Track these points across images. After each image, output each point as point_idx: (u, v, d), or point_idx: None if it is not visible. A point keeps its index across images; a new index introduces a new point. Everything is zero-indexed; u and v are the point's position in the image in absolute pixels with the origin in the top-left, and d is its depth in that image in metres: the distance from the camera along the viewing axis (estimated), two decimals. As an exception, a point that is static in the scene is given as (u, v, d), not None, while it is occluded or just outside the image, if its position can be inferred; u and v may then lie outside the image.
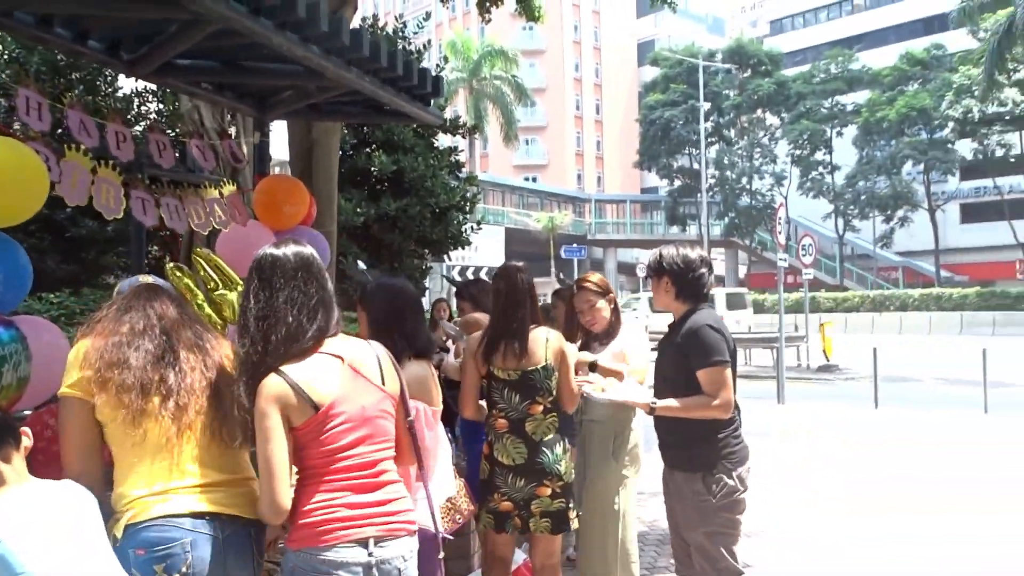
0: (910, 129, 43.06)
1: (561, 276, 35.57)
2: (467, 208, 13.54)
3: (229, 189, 3.91)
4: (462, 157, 14.69)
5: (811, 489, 7.11)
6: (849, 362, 18.26)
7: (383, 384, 2.31)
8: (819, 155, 46.99)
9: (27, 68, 13.69)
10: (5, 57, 13.75)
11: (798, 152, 46.75)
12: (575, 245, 39.37)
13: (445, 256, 14.80)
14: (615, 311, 4.07)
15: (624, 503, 3.90)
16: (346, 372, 2.22)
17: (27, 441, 2.00)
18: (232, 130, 10.48)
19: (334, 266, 5.63)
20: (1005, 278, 43.26)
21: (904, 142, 42.71)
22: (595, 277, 4.16)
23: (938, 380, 16.32)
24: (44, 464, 2.42)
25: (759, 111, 48.90)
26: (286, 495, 2.10)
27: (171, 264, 3.19)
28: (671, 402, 3.25)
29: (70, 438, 2.13)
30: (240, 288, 3.27)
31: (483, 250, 27.11)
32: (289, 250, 2.26)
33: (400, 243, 12.51)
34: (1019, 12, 31.31)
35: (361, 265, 3.81)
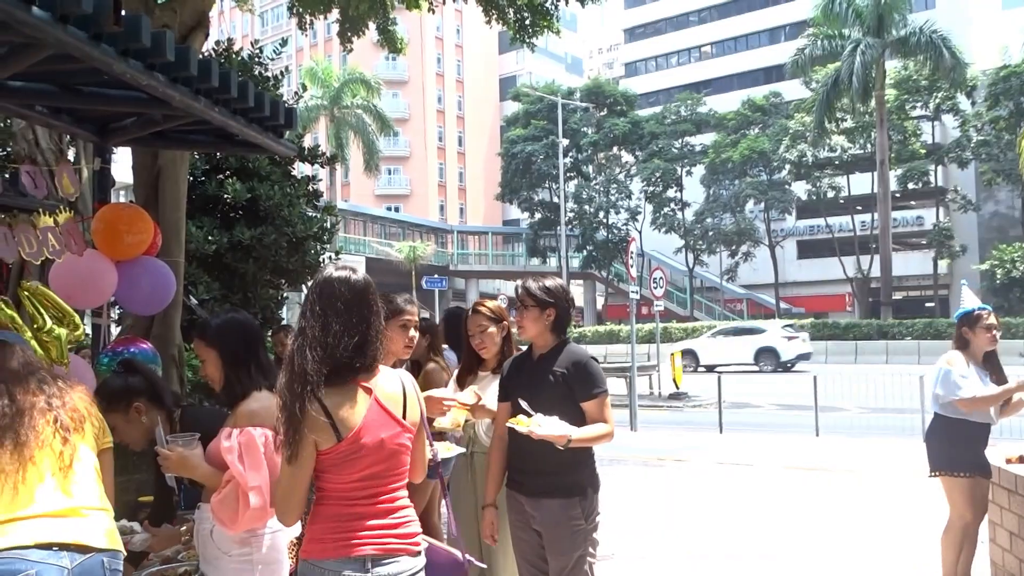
0: (752, 170, 46.19)
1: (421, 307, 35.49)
2: (325, 238, 13.33)
3: (65, 217, 3.74)
4: (321, 186, 14.50)
5: (660, 512, 7.44)
6: (697, 390, 19.21)
7: (404, 417, 2.39)
8: (671, 192, 49.49)
9: None
10: None
11: (651, 189, 49.05)
12: (436, 276, 39.48)
13: (303, 286, 14.49)
14: (507, 339, 4.01)
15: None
16: (373, 406, 2.32)
17: None
18: (71, 152, 9.93)
19: (180, 297, 5.43)
20: (836, 310, 46.97)
21: (746, 182, 45.74)
22: (491, 303, 4.13)
23: (776, 406, 17.45)
24: None
25: (615, 148, 51.05)
26: (294, 515, 2.31)
27: None
28: (583, 432, 3.21)
29: None
30: (74, 320, 3.13)
31: (343, 280, 26.68)
32: (344, 278, 2.35)
33: (255, 272, 12.13)
34: (844, 67, 34.45)
35: (193, 300, 3.69)
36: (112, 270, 4.03)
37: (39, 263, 3.65)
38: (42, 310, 2.86)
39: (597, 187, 51.49)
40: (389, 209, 56.55)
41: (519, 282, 3.54)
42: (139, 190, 5.87)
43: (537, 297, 3.40)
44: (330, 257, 13.82)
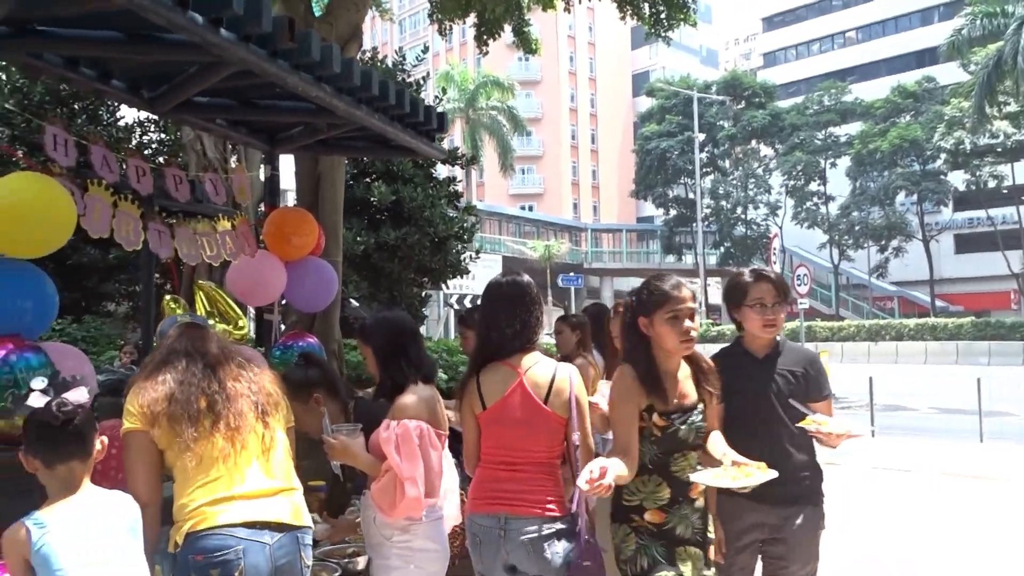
0: (903, 160, 43.56)
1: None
2: (466, 237, 13.71)
3: (239, 221, 4.06)
4: (460, 187, 14.91)
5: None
6: (845, 391, 18.35)
7: (545, 402, 2.74)
8: (813, 185, 47.44)
9: (31, 97, 13.93)
10: (8, 87, 13.98)
11: (792, 183, 47.20)
12: (572, 274, 39.58)
13: (443, 284, 14.95)
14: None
15: None
16: (518, 386, 2.76)
17: (98, 447, 2.20)
18: (233, 160, 10.67)
19: (339, 295, 5.76)
20: (1000, 308, 43.55)
21: (897, 173, 43.19)
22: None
23: (934, 409, 16.42)
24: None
25: (754, 142, 49.45)
26: (471, 466, 2.89)
27: (168, 297, 3.31)
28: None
29: (136, 469, 2.31)
30: (238, 321, 3.38)
31: (481, 278, 27.27)
32: (507, 280, 2.96)
33: (399, 272, 12.67)
34: (1007, 47, 31.90)
35: (353, 303, 3.91)
36: (282, 270, 4.34)
37: (218, 264, 3.97)
38: (211, 308, 3.10)
39: (734, 182, 50.07)
40: (523, 208, 57.21)
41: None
42: (301, 194, 6.26)
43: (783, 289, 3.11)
44: (470, 256, 14.23)
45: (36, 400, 2.11)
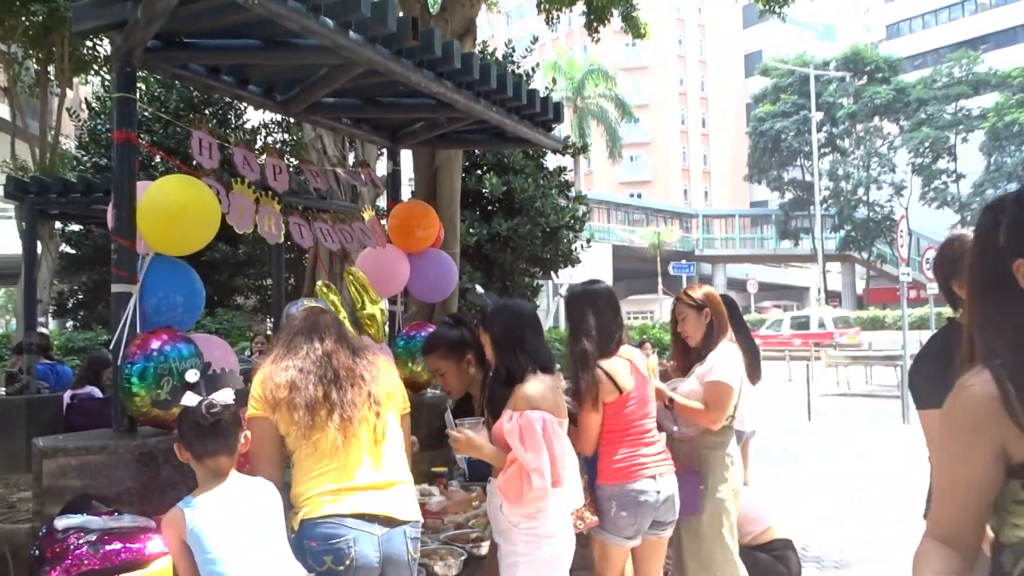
0: (1044, 132, 40.57)
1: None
2: (577, 227, 13.70)
3: (369, 214, 4.22)
4: (569, 176, 14.90)
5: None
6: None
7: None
8: (942, 163, 44.79)
9: (167, 104, 14.86)
10: (147, 96, 14.96)
11: (919, 161, 44.72)
12: (683, 261, 38.89)
13: (553, 274, 15.00)
14: (710, 327, 3.83)
15: (725, 531, 3.75)
16: (635, 370, 3.39)
17: (242, 441, 2.36)
18: (351, 156, 11.05)
19: (458, 286, 5.89)
20: None
21: (1037, 146, 40.28)
22: (699, 291, 3.97)
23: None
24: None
25: (876, 119, 47.04)
26: (589, 448, 3.34)
27: (320, 283, 3.45)
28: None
29: (260, 450, 2.45)
30: (380, 304, 3.48)
31: (590, 267, 27.17)
32: (602, 287, 3.51)
33: (512, 262, 12.80)
34: None
35: (479, 289, 3.96)
36: (406, 261, 4.48)
37: (357, 255, 4.14)
38: (363, 293, 3.22)
39: (855, 162, 47.85)
40: (632, 196, 56.57)
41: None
42: (419, 187, 6.44)
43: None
44: (582, 245, 14.21)
45: (189, 400, 2.29)
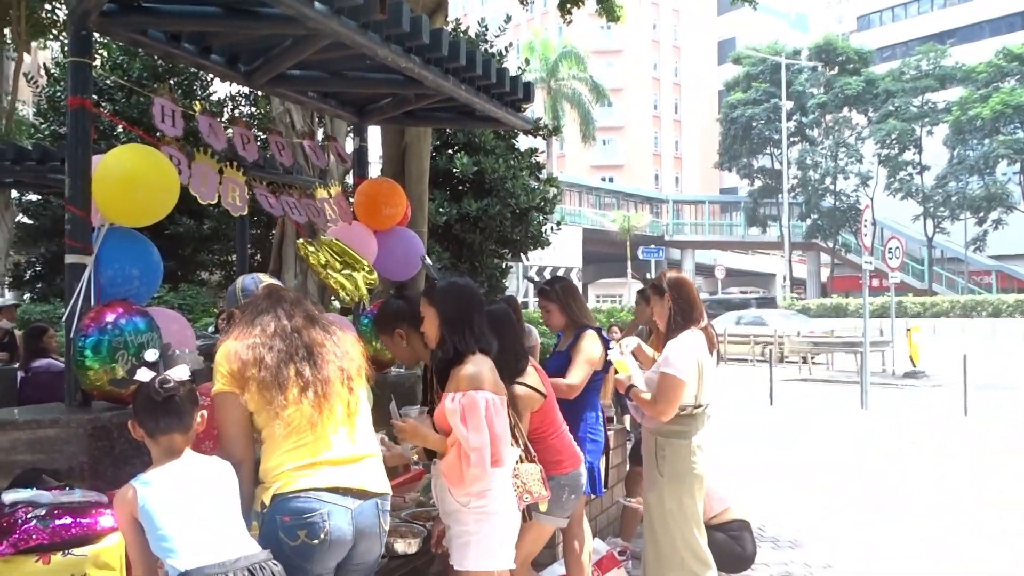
0: (1005, 127, 41.33)
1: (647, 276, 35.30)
2: (547, 209, 13.68)
3: (335, 190, 4.16)
4: (541, 158, 14.85)
5: (891, 494, 7.00)
6: (937, 369, 17.68)
7: None
8: (908, 155, 45.46)
9: (130, 73, 14.52)
10: (109, 64, 14.60)
11: (885, 152, 45.34)
12: (653, 246, 39.09)
13: (523, 256, 14.98)
14: (672, 314, 3.83)
15: (676, 519, 3.78)
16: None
17: (198, 420, 2.31)
18: (320, 132, 10.90)
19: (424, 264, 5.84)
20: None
21: (999, 141, 41.01)
22: (667, 276, 3.96)
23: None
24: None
25: (845, 109, 47.55)
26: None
27: (301, 240, 3.36)
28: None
29: (228, 429, 2.39)
30: (366, 267, 3.43)
31: (560, 250, 27.23)
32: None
33: (481, 243, 12.74)
34: None
35: (427, 260, 3.87)
36: (373, 239, 4.43)
37: (325, 229, 4.08)
38: (336, 258, 3.14)
39: (823, 151, 48.38)
40: (604, 179, 56.65)
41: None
42: (387, 165, 6.36)
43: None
44: (552, 228, 14.20)
45: (143, 375, 2.23)
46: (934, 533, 5.82)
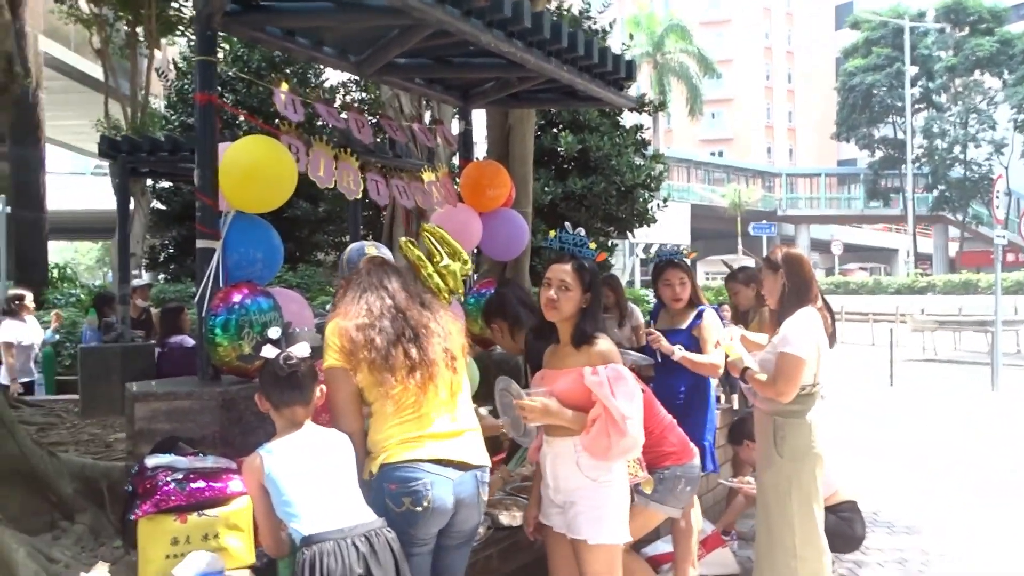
0: None
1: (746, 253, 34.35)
2: (653, 186, 13.52)
3: (442, 172, 4.29)
4: (647, 134, 14.65)
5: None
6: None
7: None
8: (1048, 119, 42.22)
9: (250, 64, 15.21)
10: (231, 56, 15.33)
11: (1022, 117, 42.21)
12: (764, 222, 37.93)
13: (629, 233, 14.86)
14: (785, 290, 3.74)
15: (793, 501, 3.67)
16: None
17: (318, 394, 2.48)
18: (427, 115, 11.14)
19: (530, 245, 5.93)
20: None
21: None
22: (780, 252, 3.85)
23: None
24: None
25: (977, 73, 44.48)
26: None
27: (404, 239, 3.51)
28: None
29: (339, 401, 2.55)
30: (462, 256, 3.51)
31: (667, 227, 26.78)
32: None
33: (586, 221, 12.71)
34: None
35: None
36: (478, 220, 4.55)
37: (431, 212, 4.22)
38: (439, 247, 3.25)
39: (952, 118, 45.48)
40: (713, 154, 55.24)
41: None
42: (491, 147, 6.46)
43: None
44: (658, 205, 14.02)
45: (268, 351, 2.41)
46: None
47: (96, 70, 17.40)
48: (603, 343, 2.93)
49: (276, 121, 3.57)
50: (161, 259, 16.98)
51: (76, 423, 5.96)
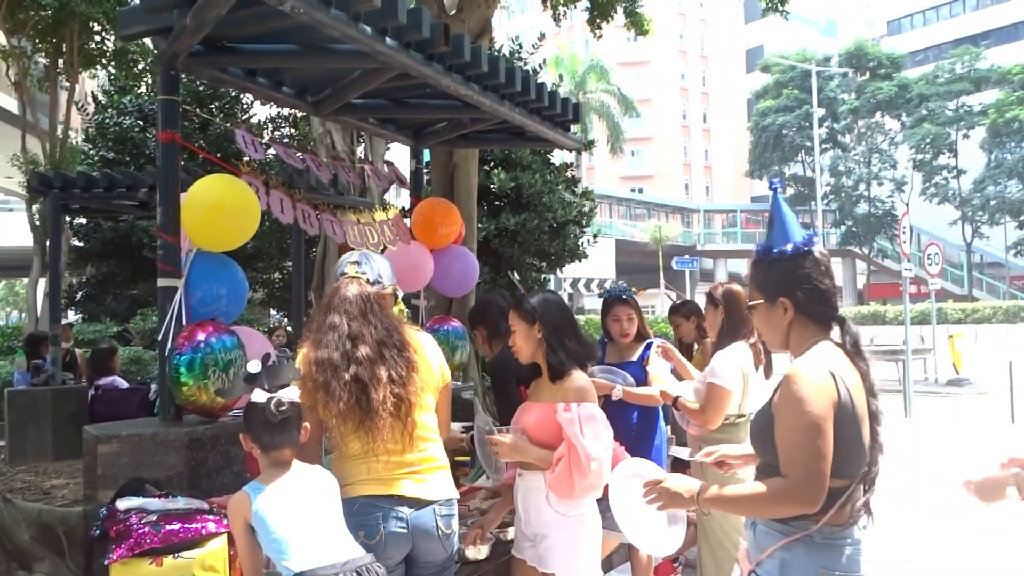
0: (1045, 129, 40.72)
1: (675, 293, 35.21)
2: (583, 222, 13.82)
3: (394, 211, 4.35)
4: (576, 172, 15.00)
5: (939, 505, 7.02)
6: (980, 376, 17.49)
7: None
8: (943, 159, 44.94)
9: (174, 99, 14.97)
10: (153, 92, 15.04)
11: (920, 157, 44.87)
12: (686, 256, 38.98)
13: (558, 269, 15.11)
14: (723, 325, 4.01)
15: (720, 523, 3.86)
16: None
17: (302, 433, 2.47)
18: (360, 151, 11.15)
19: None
20: None
21: (1038, 143, 40.44)
22: (720, 288, 4.10)
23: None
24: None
25: (878, 115, 47.19)
26: None
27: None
28: None
29: (304, 439, 2.54)
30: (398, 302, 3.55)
31: (594, 262, 27.27)
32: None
33: (519, 256, 12.89)
34: None
35: (516, 276, 3.98)
36: (430, 258, 4.62)
37: (382, 251, 4.24)
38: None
39: (856, 157, 48.01)
40: (633, 190, 56.62)
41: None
42: (436, 185, 6.56)
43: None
44: (588, 240, 14.32)
45: (258, 396, 2.40)
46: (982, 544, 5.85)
47: (11, 103, 16.82)
48: (578, 379, 2.97)
49: (235, 160, 3.59)
50: (78, 298, 16.38)
51: (5, 471, 5.71)
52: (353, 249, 3.07)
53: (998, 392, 14.30)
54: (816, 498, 1.92)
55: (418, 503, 2.58)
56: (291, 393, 2.44)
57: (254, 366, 2.50)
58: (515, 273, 4.30)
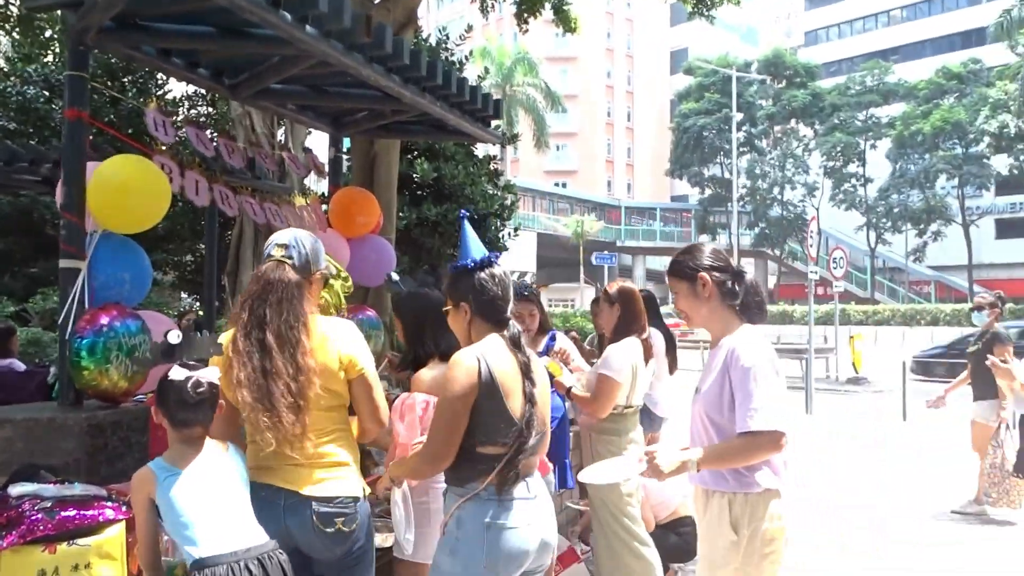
0: (945, 143, 42.90)
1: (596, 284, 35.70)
2: (505, 215, 13.91)
3: (313, 198, 4.33)
4: (499, 164, 15.07)
5: (834, 496, 7.39)
6: (878, 375, 18.38)
7: None
8: (852, 167, 46.92)
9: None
10: (60, 61, 14.38)
11: (831, 164, 46.73)
12: (606, 252, 39.62)
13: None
14: (620, 321, 4.19)
15: (610, 507, 4.05)
16: None
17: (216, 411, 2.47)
18: (280, 134, 10.96)
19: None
20: (1040, 295, 42.93)
21: (938, 156, 42.57)
22: (615, 285, 4.28)
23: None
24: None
25: (793, 122, 48.92)
26: None
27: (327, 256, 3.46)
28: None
29: (221, 414, 2.53)
30: (342, 275, 3.54)
31: (516, 255, 27.44)
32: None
33: (439, 247, 12.90)
34: (1058, 28, 31.18)
35: (394, 276, 4.01)
36: (346, 246, 4.61)
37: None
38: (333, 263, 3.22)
39: (772, 162, 49.67)
40: (557, 184, 57.15)
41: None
42: (356, 174, 6.52)
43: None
44: (509, 233, 14.43)
45: (176, 373, 2.37)
46: (882, 530, 6.20)
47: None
48: (423, 373, 3.05)
49: (148, 138, 3.52)
50: (-38, 278, 15.56)
51: None
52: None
53: (893, 391, 15.07)
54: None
55: (295, 496, 2.50)
56: (211, 374, 2.41)
57: (174, 337, 2.46)
58: (392, 275, 4.29)
